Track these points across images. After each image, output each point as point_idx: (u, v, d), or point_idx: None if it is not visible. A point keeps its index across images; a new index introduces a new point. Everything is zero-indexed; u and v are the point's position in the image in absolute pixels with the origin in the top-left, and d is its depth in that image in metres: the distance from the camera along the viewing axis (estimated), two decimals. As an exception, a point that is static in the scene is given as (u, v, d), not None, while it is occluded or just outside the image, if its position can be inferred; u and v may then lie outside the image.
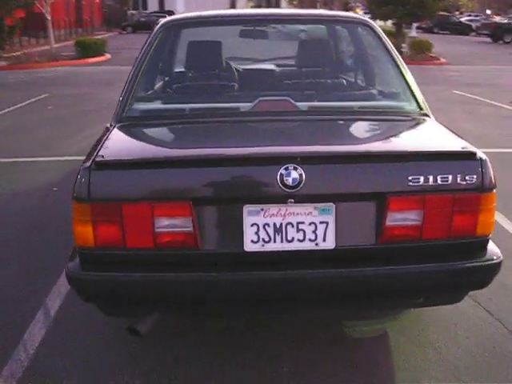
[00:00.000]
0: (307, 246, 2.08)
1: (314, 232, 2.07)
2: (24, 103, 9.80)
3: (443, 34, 37.74)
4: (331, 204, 2.06)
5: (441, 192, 2.09)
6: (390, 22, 23.08)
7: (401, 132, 2.59)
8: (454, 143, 2.32)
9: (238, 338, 2.72)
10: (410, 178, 2.05)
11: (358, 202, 2.11)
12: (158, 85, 3.13)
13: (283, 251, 2.08)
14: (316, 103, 2.75)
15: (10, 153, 6.29)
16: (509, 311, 2.95)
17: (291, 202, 2.02)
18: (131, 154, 2.21)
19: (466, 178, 2.08)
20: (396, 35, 20.25)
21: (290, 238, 2.07)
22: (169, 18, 3.13)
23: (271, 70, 3.68)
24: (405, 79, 2.79)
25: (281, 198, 2.02)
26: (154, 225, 2.04)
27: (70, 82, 12.92)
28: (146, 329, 2.22)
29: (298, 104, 2.63)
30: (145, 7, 47.51)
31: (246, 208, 2.05)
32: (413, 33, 27.61)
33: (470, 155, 2.13)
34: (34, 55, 17.97)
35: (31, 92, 11.00)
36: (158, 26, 3.00)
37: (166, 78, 3.22)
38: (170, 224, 2.05)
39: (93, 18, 38.05)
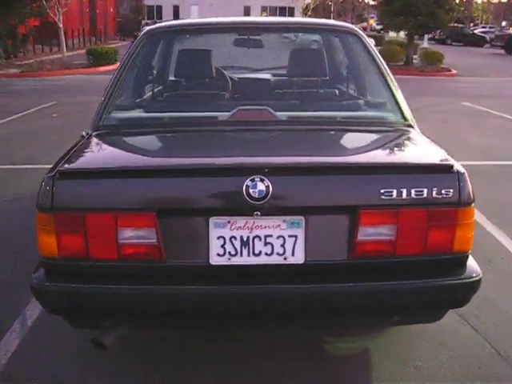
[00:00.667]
0: (275, 260, 2.01)
1: (283, 246, 2.00)
2: (32, 110, 9.84)
3: (456, 45, 37.56)
4: (300, 217, 1.99)
5: (415, 206, 2.01)
6: (402, 33, 23.02)
7: (380, 143, 2.51)
8: (433, 156, 2.24)
9: (218, 350, 2.66)
10: (382, 191, 1.97)
11: (329, 216, 2.03)
12: (140, 93, 3.07)
13: (250, 265, 2.01)
14: (297, 113, 2.68)
15: (8, 159, 6.29)
16: (497, 330, 2.84)
17: (257, 215, 1.96)
18: (96, 163, 2.17)
19: (443, 191, 2.00)
20: (408, 46, 20.22)
21: (257, 252, 2.00)
22: (153, 26, 3.10)
23: (259, 80, 3.62)
24: (390, 89, 2.71)
25: (247, 211, 1.95)
26: (117, 236, 1.98)
27: (79, 90, 12.94)
28: (112, 342, 2.16)
29: (278, 114, 2.56)
30: (159, 17, 47.92)
31: (213, 220, 1.99)
32: (425, 44, 27.56)
33: (447, 168, 2.05)
34: (46, 63, 18.12)
35: (41, 99, 11.04)
36: (142, 33, 2.97)
37: (149, 87, 3.17)
38: (134, 235, 2.00)
39: (107, 27, 38.31)
